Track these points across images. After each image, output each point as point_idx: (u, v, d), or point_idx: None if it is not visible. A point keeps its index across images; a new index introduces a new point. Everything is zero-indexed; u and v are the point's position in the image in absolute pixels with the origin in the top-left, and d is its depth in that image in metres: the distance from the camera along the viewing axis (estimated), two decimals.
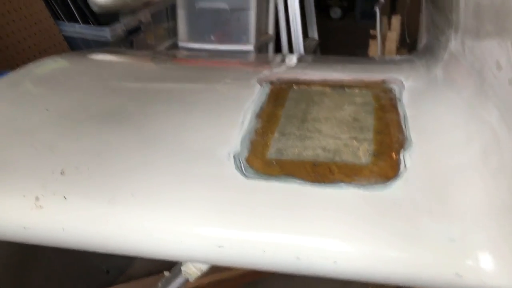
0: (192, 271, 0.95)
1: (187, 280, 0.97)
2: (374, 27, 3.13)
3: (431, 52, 1.07)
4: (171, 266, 1.37)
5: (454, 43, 0.91)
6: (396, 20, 3.66)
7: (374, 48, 3.29)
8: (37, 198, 0.72)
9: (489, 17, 0.71)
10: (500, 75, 0.66)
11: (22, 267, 1.66)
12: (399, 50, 3.45)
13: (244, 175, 0.73)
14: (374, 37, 3.28)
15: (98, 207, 0.71)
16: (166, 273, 1.10)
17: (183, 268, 0.96)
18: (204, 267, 0.95)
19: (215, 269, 1.90)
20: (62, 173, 0.75)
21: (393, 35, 3.41)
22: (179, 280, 1.00)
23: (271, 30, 3.07)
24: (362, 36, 3.74)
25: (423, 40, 1.45)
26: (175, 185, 0.73)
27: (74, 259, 1.84)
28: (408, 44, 3.80)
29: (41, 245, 0.75)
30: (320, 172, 0.73)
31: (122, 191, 0.72)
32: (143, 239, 0.70)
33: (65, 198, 0.72)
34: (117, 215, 0.70)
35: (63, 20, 2.18)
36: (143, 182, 0.73)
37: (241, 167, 0.74)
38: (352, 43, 4.38)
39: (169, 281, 1.03)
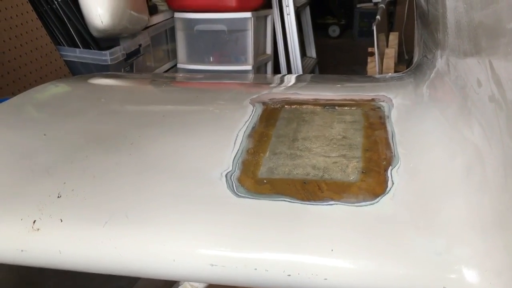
0: None
1: None
2: (372, 45, 3.17)
3: (420, 70, 1.09)
4: (172, 285, 1.38)
5: (440, 62, 0.93)
6: (393, 37, 3.71)
7: (372, 65, 3.32)
8: (34, 221, 0.73)
9: (469, 36, 0.74)
10: (481, 92, 0.68)
11: None
12: (397, 67, 3.49)
13: (236, 194, 0.75)
14: (372, 54, 3.32)
15: (93, 228, 0.73)
16: None
17: None
18: (201, 286, 0.96)
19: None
20: (58, 196, 0.77)
21: (391, 52, 3.45)
22: None
23: (269, 50, 3.12)
24: (360, 54, 3.79)
25: (415, 58, 1.48)
26: (168, 206, 0.74)
27: (74, 281, 1.85)
28: (407, 60, 3.84)
29: (38, 267, 0.77)
30: (310, 190, 0.74)
31: (117, 212, 0.73)
32: (138, 259, 0.71)
33: (62, 221, 0.73)
34: (112, 237, 0.72)
35: (64, 45, 2.22)
36: (137, 203, 0.75)
37: (232, 186, 0.76)
38: (350, 61, 4.43)
39: None
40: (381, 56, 3.33)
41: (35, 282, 1.73)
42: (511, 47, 0.57)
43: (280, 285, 0.69)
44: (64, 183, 0.79)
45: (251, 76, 2.61)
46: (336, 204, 0.72)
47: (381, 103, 0.98)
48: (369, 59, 3.34)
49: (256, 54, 2.92)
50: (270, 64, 3.18)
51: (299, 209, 0.72)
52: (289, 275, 0.67)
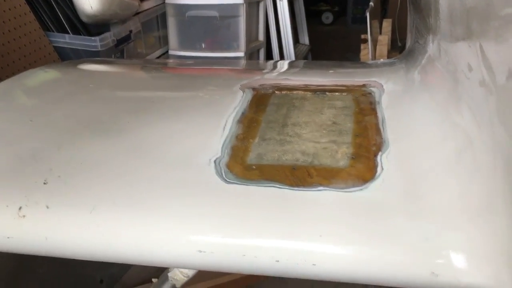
0: (178, 276, 0.96)
1: (174, 286, 0.98)
2: (366, 32, 3.16)
3: (411, 55, 1.09)
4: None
5: (431, 47, 0.92)
6: (387, 24, 3.69)
7: (366, 52, 3.31)
8: (20, 208, 0.72)
9: (460, 21, 0.73)
10: (471, 77, 0.68)
11: (14, 277, 1.66)
12: (390, 54, 3.48)
13: (225, 180, 0.74)
14: (365, 41, 3.31)
15: (80, 215, 0.72)
16: (154, 280, 1.11)
17: (169, 274, 0.96)
18: (191, 273, 0.95)
19: (206, 276, 1.90)
20: (45, 182, 0.76)
21: (384, 39, 3.44)
22: (166, 286, 1.01)
23: (261, 36, 3.10)
24: (353, 41, 3.77)
25: (407, 44, 1.47)
26: (155, 192, 0.74)
27: (67, 269, 1.84)
28: (400, 47, 3.83)
29: (25, 254, 0.76)
30: (299, 175, 0.74)
31: (104, 199, 0.73)
32: (125, 246, 0.70)
33: (48, 207, 0.72)
34: (99, 223, 0.71)
35: (53, 31, 2.19)
36: (124, 189, 0.74)
37: (221, 172, 0.75)
38: (344, 48, 4.42)
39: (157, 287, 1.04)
40: (375, 43, 3.32)
41: (27, 269, 1.73)
42: (501, 31, 0.57)
43: (269, 271, 0.69)
44: (51, 169, 0.78)
45: (242, 62, 2.59)
46: (325, 189, 0.71)
47: (372, 88, 0.97)
48: (362, 46, 3.33)
49: (249, 41, 2.90)
50: (263, 51, 3.16)
51: (288, 195, 0.71)
52: (278, 261, 0.66)
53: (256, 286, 1.99)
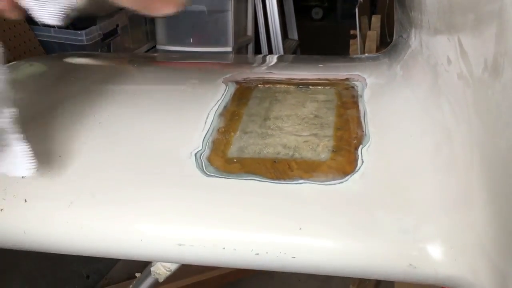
0: (161, 271, 0.95)
1: (157, 281, 0.98)
2: (355, 27, 3.16)
3: (395, 50, 1.09)
4: None
5: (413, 40, 0.92)
6: (376, 20, 3.70)
7: (355, 47, 3.32)
8: None
9: (440, 13, 0.73)
10: (450, 70, 0.68)
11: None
12: (380, 49, 3.48)
13: (205, 173, 0.74)
14: (354, 36, 3.31)
15: (59, 208, 0.71)
16: (138, 275, 1.11)
17: (152, 269, 0.96)
18: (173, 267, 0.95)
19: (194, 271, 1.90)
20: (23, 176, 0.75)
21: (373, 34, 3.44)
22: (149, 281, 1.01)
23: (250, 31, 3.09)
24: (343, 36, 3.78)
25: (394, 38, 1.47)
26: (135, 185, 0.73)
27: (53, 264, 1.83)
28: (389, 43, 3.83)
29: (4, 248, 0.76)
30: (280, 169, 0.74)
31: (83, 192, 0.72)
32: (104, 240, 0.70)
33: (26, 201, 0.72)
34: (78, 217, 0.70)
35: (38, 25, 2.17)
36: (104, 183, 0.74)
37: (202, 165, 0.75)
38: (333, 43, 4.42)
39: (140, 282, 1.03)
40: (364, 38, 3.33)
41: (11, 264, 1.71)
42: (477, 22, 0.57)
43: (248, 264, 0.69)
44: None
45: (228, 56, 2.58)
46: (305, 182, 0.71)
47: (354, 82, 0.97)
48: (351, 41, 3.33)
49: (237, 36, 2.89)
50: (251, 46, 3.16)
51: (268, 188, 0.71)
52: (257, 254, 0.66)
53: (244, 281, 1.99)
